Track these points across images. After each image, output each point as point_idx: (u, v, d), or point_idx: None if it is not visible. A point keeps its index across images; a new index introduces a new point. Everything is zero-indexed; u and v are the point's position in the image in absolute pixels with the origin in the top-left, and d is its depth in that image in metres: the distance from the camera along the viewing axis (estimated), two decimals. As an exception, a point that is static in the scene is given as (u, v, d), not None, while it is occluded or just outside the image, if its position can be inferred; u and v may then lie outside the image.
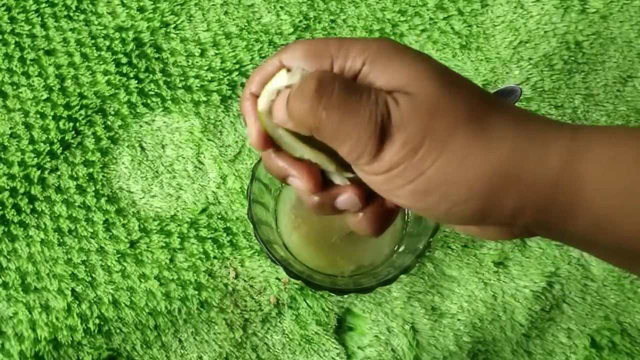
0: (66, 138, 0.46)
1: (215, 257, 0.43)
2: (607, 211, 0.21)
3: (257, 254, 0.43)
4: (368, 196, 0.26)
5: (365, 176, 0.24)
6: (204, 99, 0.47)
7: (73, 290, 0.42)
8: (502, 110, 0.23)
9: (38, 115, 0.46)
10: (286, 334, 0.42)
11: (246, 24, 0.49)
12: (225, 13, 0.50)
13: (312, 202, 0.27)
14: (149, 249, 0.43)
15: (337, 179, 0.26)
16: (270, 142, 0.26)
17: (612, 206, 0.21)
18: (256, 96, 0.26)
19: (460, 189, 0.22)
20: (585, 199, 0.22)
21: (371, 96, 0.23)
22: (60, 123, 0.46)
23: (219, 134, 0.46)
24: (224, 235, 0.44)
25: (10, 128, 0.46)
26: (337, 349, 0.41)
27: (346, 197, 0.26)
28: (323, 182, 0.26)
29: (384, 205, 0.27)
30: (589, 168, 0.22)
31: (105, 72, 0.48)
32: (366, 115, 0.23)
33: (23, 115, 0.47)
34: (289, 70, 0.25)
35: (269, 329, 0.42)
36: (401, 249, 0.40)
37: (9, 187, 0.44)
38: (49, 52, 0.48)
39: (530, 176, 0.22)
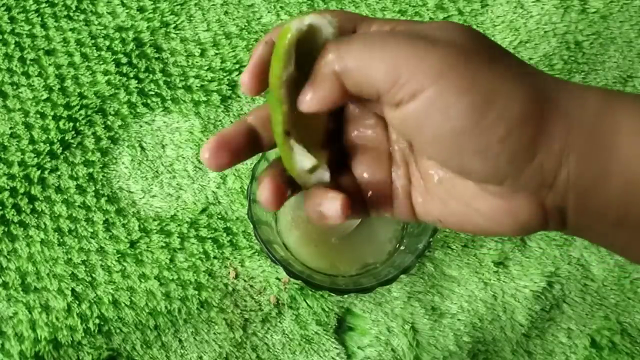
0: (66, 138, 0.46)
1: (215, 257, 0.43)
2: (638, 174, 0.21)
3: (257, 254, 0.43)
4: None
5: (407, 108, 0.22)
6: (204, 99, 0.47)
7: (73, 290, 0.42)
8: (527, 63, 0.24)
9: (38, 115, 0.46)
10: (286, 334, 0.42)
11: (246, 24, 0.49)
12: (225, 13, 0.50)
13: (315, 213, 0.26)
14: (149, 249, 0.43)
15: (317, 175, 0.26)
16: (261, 86, 0.25)
17: None
18: (274, 43, 0.25)
19: (517, 104, 0.21)
20: (619, 151, 0.21)
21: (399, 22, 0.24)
22: (60, 123, 0.46)
23: (219, 134, 0.46)
24: (224, 235, 0.44)
25: (10, 128, 0.46)
26: (337, 349, 0.41)
27: (330, 203, 0.25)
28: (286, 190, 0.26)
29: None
30: (622, 120, 0.21)
31: (105, 72, 0.48)
32: (394, 32, 0.23)
33: (23, 115, 0.47)
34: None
35: (269, 329, 0.42)
36: (401, 248, 0.40)
37: (9, 187, 0.44)
38: (49, 52, 0.48)
39: (573, 112, 0.21)
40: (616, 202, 0.22)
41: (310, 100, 0.23)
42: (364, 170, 0.27)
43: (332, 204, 0.24)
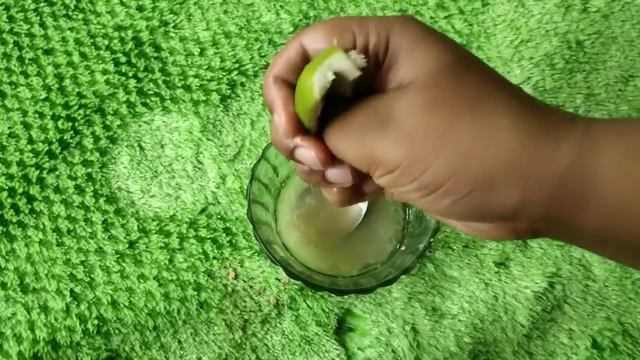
0: (65, 138, 0.46)
1: (214, 258, 0.43)
2: (621, 203, 0.21)
3: (256, 254, 0.43)
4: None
5: (378, 181, 0.25)
6: (203, 98, 0.47)
7: (72, 291, 0.42)
8: (517, 97, 0.23)
9: (36, 115, 0.46)
10: (286, 335, 0.42)
11: (246, 23, 0.49)
12: (225, 12, 0.50)
13: (302, 168, 0.27)
14: (148, 249, 0.43)
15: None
16: (299, 126, 0.25)
17: (626, 198, 0.21)
18: (282, 80, 0.24)
19: (463, 184, 0.22)
20: (598, 191, 0.21)
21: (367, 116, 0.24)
22: (59, 123, 0.46)
23: (219, 133, 0.46)
24: (224, 235, 0.44)
25: (9, 127, 0.46)
26: (337, 349, 0.41)
27: (338, 171, 0.26)
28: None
29: (362, 188, 0.28)
30: (602, 160, 0.21)
31: (104, 72, 0.47)
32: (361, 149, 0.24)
33: (21, 114, 0.46)
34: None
35: (268, 329, 0.42)
36: (402, 249, 0.40)
37: (7, 187, 0.44)
38: (48, 52, 0.48)
39: (538, 170, 0.21)
40: (594, 229, 0.22)
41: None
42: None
43: (306, 152, 0.26)
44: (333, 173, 0.26)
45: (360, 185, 0.28)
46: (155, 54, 0.48)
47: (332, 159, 0.25)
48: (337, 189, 0.28)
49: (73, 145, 0.46)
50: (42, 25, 0.49)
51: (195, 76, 0.47)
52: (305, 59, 0.25)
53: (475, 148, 0.22)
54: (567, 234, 0.23)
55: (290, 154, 0.26)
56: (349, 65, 0.22)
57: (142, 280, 0.43)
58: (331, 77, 0.22)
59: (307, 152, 0.25)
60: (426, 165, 0.22)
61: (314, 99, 0.22)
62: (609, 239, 0.22)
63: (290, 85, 0.25)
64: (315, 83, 0.22)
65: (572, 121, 0.22)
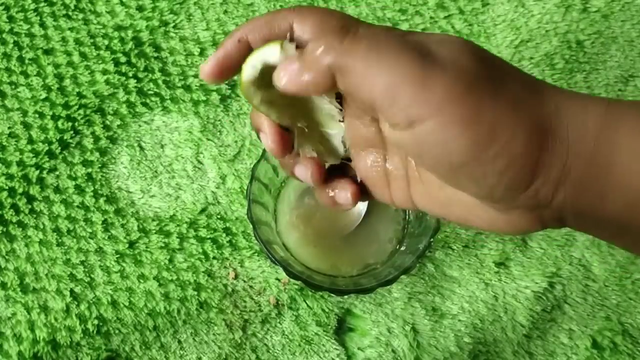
0: (65, 138, 0.46)
1: (214, 258, 0.43)
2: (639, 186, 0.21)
3: (256, 254, 0.43)
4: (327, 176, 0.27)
5: (405, 133, 0.22)
6: (203, 98, 0.47)
7: (72, 291, 0.42)
8: (536, 79, 0.23)
9: (36, 115, 0.46)
10: (286, 335, 0.42)
11: (246, 23, 0.49)
12: (225, 12, 0.50)
13: (276, 158, 0.28)
14: (148, 249, 0.43)
15: (306, 149, 0.27)
16: (219, 78, 0.26)
17: None
18: (248, 43, 0.25)
19: (519, 137, 0.21)
20: (621, 170, 0.21)
21: (404, 33, 0.22)
22: (59, 123, 0.46)
23: (219, 133, 0.46)
24: (224, 235, 0.44)
25: (9, 127, 0.46)
26: (337, 349, 0.41)
27: (302, 170, 0.27)
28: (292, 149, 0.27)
29: (334, 197, 0.28)
30: (622, 138, 0.21)
31: (104, 72, 0.47)
32: (400, 42, 0.21)
33: (21, 114, 0.46)
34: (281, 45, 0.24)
35: (268, 329, 0.42)
36: (402, 249, 0.40)
37: (7, 187, 0.44)
38: (48, 52, 0.48)
39: (573, 136, 0.21)
40: (616, 218, 0.22)
41: (293, 83, 0.23)
42: (359, 159, 0.27)
43: (343, 192, 0.27)
44: (298, 171, 0.27)
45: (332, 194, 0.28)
46: (155, 54, 0.48)
47: (283, 151, 0.26)
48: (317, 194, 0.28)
49: (73, 145, 0.46)
50: (42, 25, 0.49)
51: (195, 76, 0.47)
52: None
53: (524, 105, 0.21)
54: (590, 222, 0.23)
55: (257, 133, 0.27)
56: (277, 58, 0.23)
57: (142, 280, 0.43)
58: (259, 67, 0.24)
59: (264, 137, 0.26)
60: (481, 110, 0.21)
61: (242, 83, 0.25)
62: (631, 226, 0.22)
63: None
64: (244, 68, 0.25)
65: (591, 97, 0.22)
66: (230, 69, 0.26)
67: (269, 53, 0.24)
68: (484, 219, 0.24)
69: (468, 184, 0.22)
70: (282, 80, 0.23)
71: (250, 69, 0.24)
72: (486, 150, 0.21)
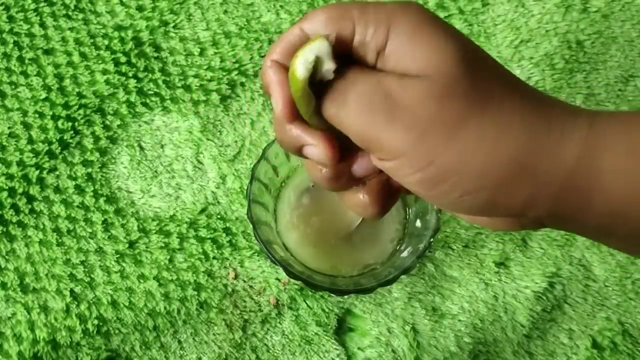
0: (65, 138, 0.46)
1: (214, 258, 0.43)
2: (624, 202, 0.21)
3: (256, 254, 0.43)
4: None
5: (377, 162, 0.24)
6: (203, 98, 0.47)
7: (72, 291, 0.42)
8: (522, 94, 0.23)
9: (36, 115, 0.46)
10: (286, 335, 0.42)
11: (246, 23, 0.49)
12: (225, 12, 0.50)
13: (327, 175, 0.26)
14: (148, 249, 0.43)
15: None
16: (297, 112, 0.24)
17: (629, 197, 0.21)
18: (279, 64, 0.24)
19: (471, 179, 0.22)
20: (602, 190, 0.21)
21: (367, 82, 0.23)
22: (59, 122, 0.46)
23: (219, 133, 0.46)
24: (224, 235, 0.44)
25: (9, 127, 0.46)
26: (337, 349, 0.41)
27: (363, 163, 0.26)
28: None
29: (390, 182, 0.27)
30: (605, 159, 0.21)
31: (104, 72, 0.47)
32: (368, 98, 0.22)
33: (21, 114, 0.46)
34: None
35: (268, 329, 0.42)
36: (402, 249, 0.40)
37: (7, 187, 0.44)
38: (48, 52, 0.48)
39: (545, 167, 0.21)
40: (598, 224, 0.22)
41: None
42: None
43: (314, 148, 0.25)
44: (359, 166, 0.26)
45: (389, 181, 0.27)
46: (155, 54, 0.48)
47: (341, 155, 0.25)
48: (370, 195, 0.27)
49: (73, 145, 0.46)
50: (42, 25, 0.49)
51: (195, 76, 0.47)
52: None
53: (484, 144, 0.22)
54: (571, 228, 0.23)
55: (298, 151, 0.25)
56: (325, 47, 0.22)
57: (142, 280, 0.43)
58: (312, 58, 0.22)
59: (314, 149, 0.25)
60: (433, 156, 0.22)
61: (299, 82, 0.23)
62: (614, 233, 0.22)
63: (287, 69, 0.24)
64: (298, 67, 0.22)
65: (575, 116, 0.22)
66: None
67: (317, 45, 0.23)
68: (480, 219, 0.26)
69: (439, 204, 0.25)
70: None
71: (302, 65, 0.22)
72: (434, 188, 0.23)
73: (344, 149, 0.25)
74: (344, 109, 0.23)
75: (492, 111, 0.22)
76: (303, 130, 0.25)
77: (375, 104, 0.22)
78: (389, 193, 0.27)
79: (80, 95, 0.47)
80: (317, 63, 0.23)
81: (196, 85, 0.47)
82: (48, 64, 0.48)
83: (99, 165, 0.45)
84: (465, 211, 0.24)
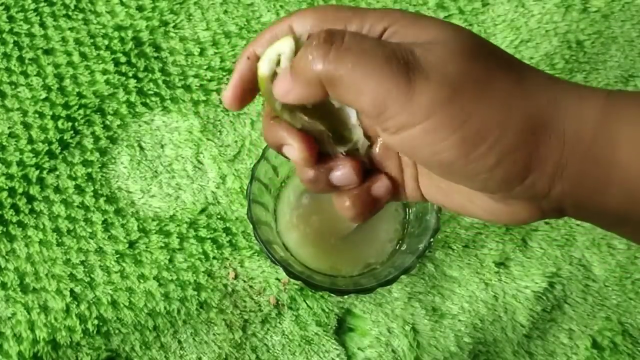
0: (65, 138, 0.46)
1: (214, 258, 0.43)
2: None
3: (256, 254, 0.43)
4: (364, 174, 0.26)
5: (396, 136, 0.22)
6: (203, 98, 0.47)
7: (72, 291, 0.42)
8: (533, 68, 0.23)
9: (36, 115, 0.46)
10: (286, 335, 0.42)
11: (246, 23, 0.49)
12: (225, 12, 0.50)
13: (306, 176, 0.26)
14: (148, 249, 0.43)
15: (335, 151, 0.26)
16: (243, 102, 0.25)
17: None
18: (258, 57, 0.25)
19: (509, 135, 0.21)
20: (620, 165, 0.21)
21: (390, 43, 0.22)
22: (59, 122, 0.46)
23: (219, 133, 0.46)
24: (224, 235, 0.44)
25: (9, 127, 0.46)
26: (337, 349, 0.41)
27: (342, 173, 0.25)
28: (319, 156, 0.25)
29: (370, 192, 0.26)
30: (623, 131, 0.21)
31: (104, 72, 0.47)
32: (385, 54, 0.21)
33: (21, 114, 0.46)
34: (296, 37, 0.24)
35: (268, 329, 0.42)
36: (402, 249, 0.40)
37: (7, 187, 0.44)
38: (48, 52, 0.48)
39: (571, 126, 0.21)
40: (616, 209, 0.22)
41: (288, 94, 0.23)
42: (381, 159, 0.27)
43: (291, 149, 0.25)
44: (336, 176, 0.26)
45: (369, 191, 0.26)
46: (155, 54, 0.48)
47: (314, 158, 0.25)
48: (350, 200, 0.26)
49: (73, 145, 0.46)
50: (42, 25, 0.49)
51: (195, 76, 0.47)
52: None
53: (515, 102, 0.21)
54: (590, 212, 0.23)
55: (279, 149, 0.25)
56: (291, 47, 0.23)
57: (142, 280, 0.43)
58: (275, 57, 0.23)
59: (291, 149, 0.25)
60: (467, 115, 0.21)
61: (262, 79, 0.24)
62: (630, 217, 0.22)
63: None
64: (260, 64, 0.24)
65: (592, 89, 0.22)
66: (249, 90, 0.25)
67: (283, 44, 0.23)
68: (483, 208, 0.25)
69: (460, 180, 0.23)
70: (279, 93, 0.24)
71: (265, 63, 0.23)
72: (474, 150, 0.21)
73: (325, 154, 0.25)
74: (358, 68, 0.21)
75: (514, 75, 0.22)
76: (284, 129, 0.25)
77: (397, 62, 0.21)
78: (368, 201, 0.26)
79: (80, 95, 0.47)
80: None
81: (196, 85, 0.47)
82: (48, 64, 0.48)
83: (99, 165, 0.45)
84: (497, 186, 0.22)
